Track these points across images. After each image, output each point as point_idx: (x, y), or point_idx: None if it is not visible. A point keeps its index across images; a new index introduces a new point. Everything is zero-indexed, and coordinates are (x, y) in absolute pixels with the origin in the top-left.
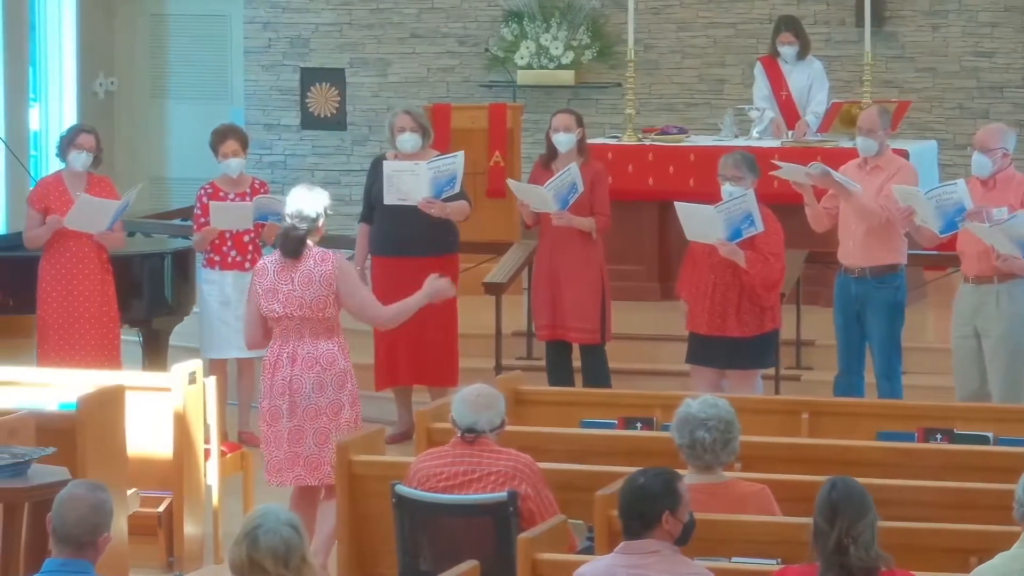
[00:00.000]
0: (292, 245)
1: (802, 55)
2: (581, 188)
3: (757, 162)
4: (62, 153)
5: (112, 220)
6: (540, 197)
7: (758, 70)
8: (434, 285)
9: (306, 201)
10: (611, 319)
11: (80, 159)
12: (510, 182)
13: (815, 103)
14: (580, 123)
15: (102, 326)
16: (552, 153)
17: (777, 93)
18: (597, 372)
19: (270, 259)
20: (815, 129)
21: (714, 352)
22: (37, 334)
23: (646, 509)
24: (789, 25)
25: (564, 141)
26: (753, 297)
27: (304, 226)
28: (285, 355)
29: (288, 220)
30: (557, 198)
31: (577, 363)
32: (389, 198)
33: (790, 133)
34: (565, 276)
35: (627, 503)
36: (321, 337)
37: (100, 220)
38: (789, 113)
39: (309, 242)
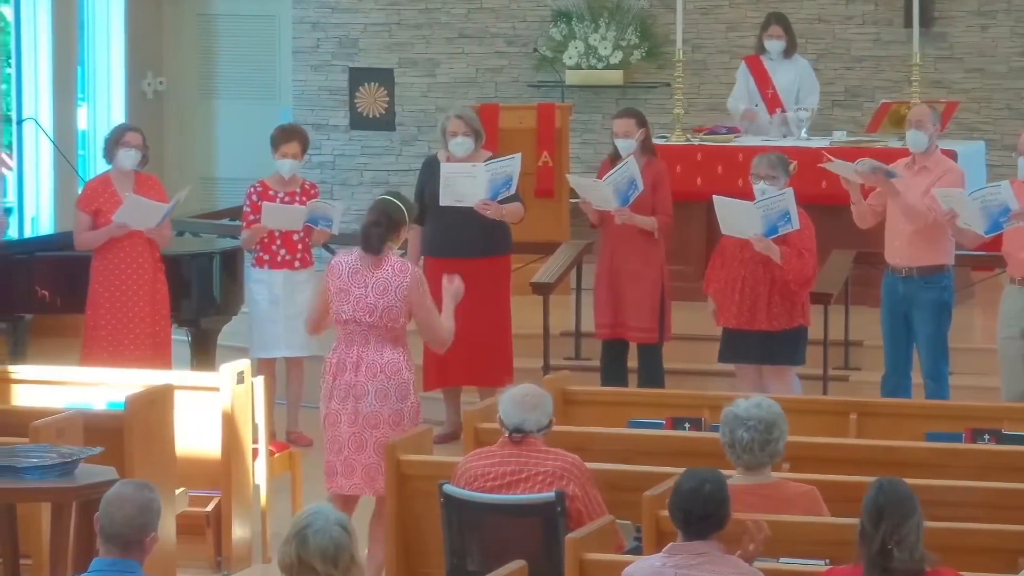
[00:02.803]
0: (373, 242)
1: (788, 53)
2: (641, 186)
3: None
4: (109, 154)
5: (161, 219)
6: (599, 192)
7: (741, 70)
8: (450, 290)
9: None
10: (671, 319)
11: (129, 157)
12: (570, 177)
13: (806, 104)
14: (642, 123)
15: (154, 324)
16: (619, 152)
17: (763, 91)
18: (653, 372)
19: (345, 259)
20: (803, 129)
21: (745, 347)
22: (85, 334)
23: (724, 513)
24: (779, 20)
25: (624, 147)
26: (784, 291)
27: (385, 222)
28: (350, 360)
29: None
30: (617, 194)
31: (631, 363)
32: (445, 199)
33: (772, 119)
34: (626, 275)
35: (700, 507)
36: (387, 345)
37: (150, 218)
38: (775, 111)
39: (390, 246)
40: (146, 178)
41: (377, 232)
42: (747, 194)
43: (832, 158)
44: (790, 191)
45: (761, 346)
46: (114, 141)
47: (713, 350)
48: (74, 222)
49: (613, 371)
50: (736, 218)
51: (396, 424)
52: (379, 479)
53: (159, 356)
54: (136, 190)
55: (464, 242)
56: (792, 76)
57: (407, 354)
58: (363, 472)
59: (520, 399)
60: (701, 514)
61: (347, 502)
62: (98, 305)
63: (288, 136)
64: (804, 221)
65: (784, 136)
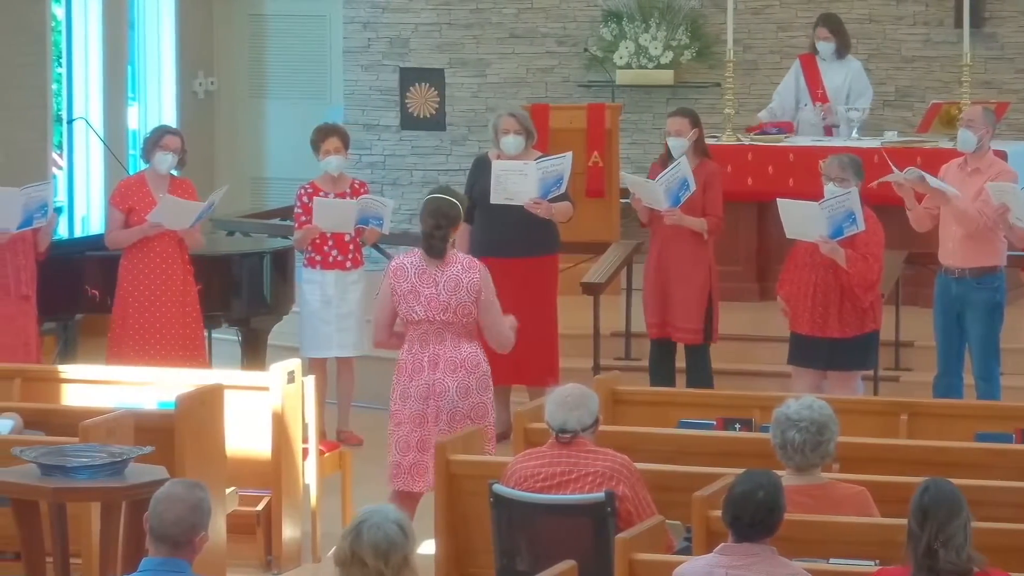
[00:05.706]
0: (437, 246)
1: (840, 54)
2: (693, 187)
3: (863, 166)
4: (147, 154)
5: (195, 220)
6: (652, 192)
7: (795, 66)
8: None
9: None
10: (719, 320)
11: (166, 161)
12: (624, 175)
13: (858, 105)
14: (695, 123)
15: (184, 326)
16: (670, 153)
17: (813, 90)
18: (700, 372)
19: (408, 260)
20: (854, 130)
21: (815, 353)
22: (110, 332)
23: (775, 520)
24: (826, 22)
25: (676, 146)
26: (853, 298)
27: (445, 223)
28: (425, 359)
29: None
30: (668, 194)
31: (680, 363)
32: (496, 197)
33: (821, 113)
34: (674, 275)
35: (749, 513)
36: (463, 340)
37: (184, 219)
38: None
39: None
40: (180, 182)
41: (440, 235)
42: (798, 194)
43: (894, 168)
44: (855, 191)
45: (831, 352)
46: (152, 143)
47: (762, 350)
48: (106, 218)
49: (661, 370)
50: (801, 221)
51: (481, 417)
52: None
53: (194, 358)
54: (169, 193)
55: (512, 242)
56: (843, 78)
57: (482, 347)
58: None
59: (562, 399)
60: (749, 521)
61: (411, 502)
62: (126, 304)
63: (326, 133)
64: (873, 226)
65: (834, 136)
